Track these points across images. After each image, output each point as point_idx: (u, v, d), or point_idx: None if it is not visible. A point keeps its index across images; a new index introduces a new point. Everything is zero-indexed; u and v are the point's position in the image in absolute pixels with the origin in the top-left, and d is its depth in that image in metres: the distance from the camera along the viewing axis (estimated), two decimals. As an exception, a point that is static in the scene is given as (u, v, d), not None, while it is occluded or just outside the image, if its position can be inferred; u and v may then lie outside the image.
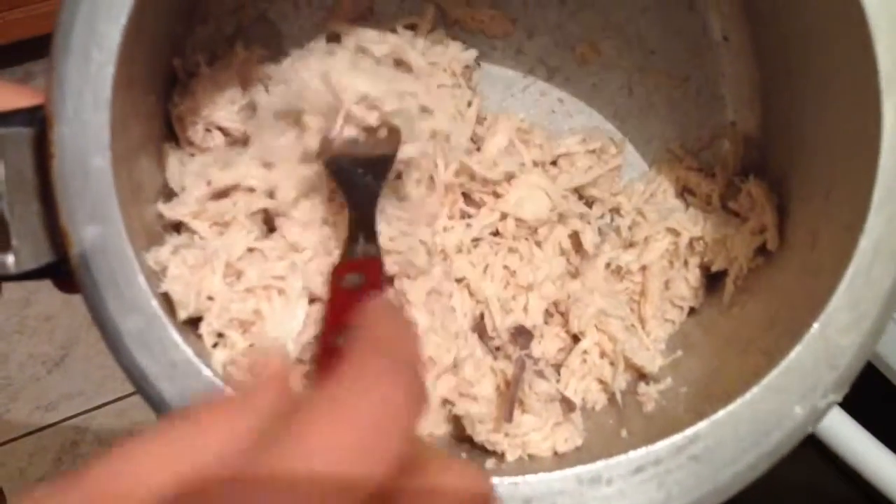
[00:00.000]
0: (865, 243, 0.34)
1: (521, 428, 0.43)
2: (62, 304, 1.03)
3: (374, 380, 0.23)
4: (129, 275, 0.33)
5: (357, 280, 0.38)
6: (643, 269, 0.49)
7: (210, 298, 0.39)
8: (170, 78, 0.46)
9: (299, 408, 0.22)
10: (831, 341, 0.34)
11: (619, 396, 0.46)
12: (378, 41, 0.48)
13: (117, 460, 0.21)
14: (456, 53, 0.51)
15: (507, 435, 0.43)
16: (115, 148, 0.34)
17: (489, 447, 0.44)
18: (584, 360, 0.47)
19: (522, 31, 0.52)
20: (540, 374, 0.46)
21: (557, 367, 0.48)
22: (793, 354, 0.34)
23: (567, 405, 0.46)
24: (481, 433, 0.44)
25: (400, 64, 0.48)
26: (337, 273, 0.39)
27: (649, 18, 0.51)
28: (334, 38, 0.50)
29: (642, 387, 0.45)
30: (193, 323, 0.38)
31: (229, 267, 0.41)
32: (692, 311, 0.50)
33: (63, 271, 0.33)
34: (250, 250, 0.43)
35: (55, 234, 0.33)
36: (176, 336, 0.33)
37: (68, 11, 0.32)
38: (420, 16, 0.51)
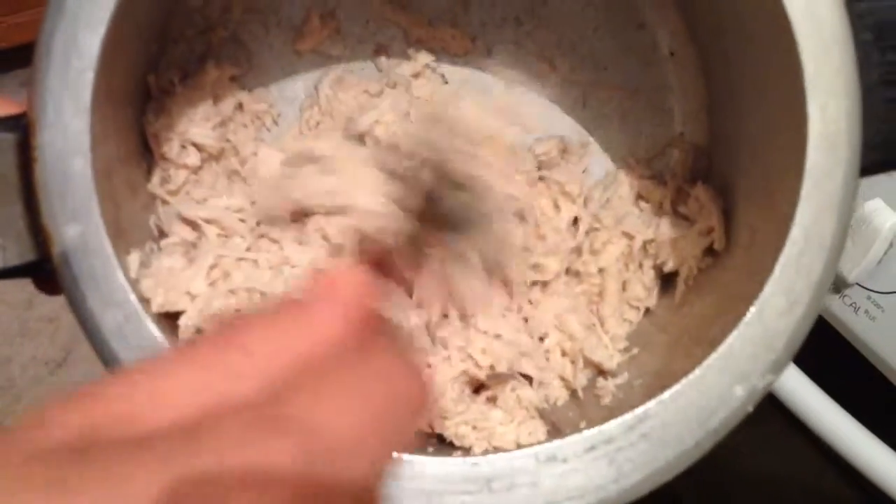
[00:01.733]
0: (796, 232, 0.37)
1: (489, 422, 0.46)
2: (64, 307, 1.02)
3: (394, 364, 0.23)
4: (109, 271, 0.35)
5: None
6: (601, 271, 0.52)
7: (191, 295, 0.41)
8: (144, 94, 0.48)
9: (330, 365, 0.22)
10: (768, 325, 0.37)
11: (580, 393, 0.48)
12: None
13: (135, 378, 0.21)
14: (437, 87, 0.54)
15: (474, 428, 0.45)
16: (96, 153, 0.36)
17: (457, 442, 0.45)
18: (547, 360, 0.50)
19: (482, 49, 0.55)
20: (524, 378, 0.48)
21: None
22: (730, 338, 0.37)
23: (539, 412, 0.48)
24: (449, 428, 0.46)
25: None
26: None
27: (600, 36, 0.54)
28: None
29: (601, 381, 0.48)
30: (172, 318, 0.40)
31: (217, 269, 0.44)
32: (648, 310, 0.52)
33: (46, 269, 0.35)
34: (241, 259, 0.45)
35: (38, 233, 0.35)
36: (154, 330, 0.35)
37: (49, 22, 0.34)
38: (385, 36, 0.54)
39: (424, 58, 0.53)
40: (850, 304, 0.58)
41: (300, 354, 0.22)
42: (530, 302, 0.49)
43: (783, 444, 0.64)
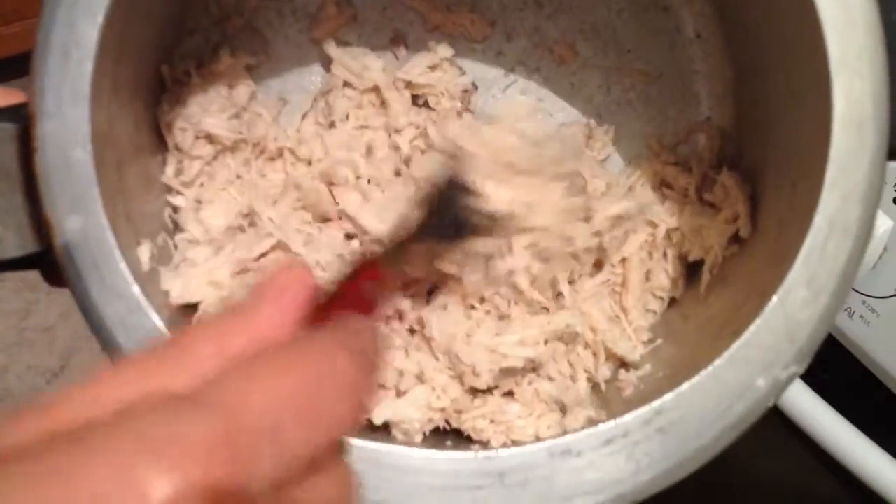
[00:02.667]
0: (820, 220, 0.35)
1: (507, 415, 0.45)
2: (61, 315, 1.03)
3: (330, 349, 0.24)
4: (112, 263, 0.34)
5: (371, 290, 0.34)
6: (623, 260, 0.50)
7: (215, 284, 0.40)
8: (158, 86, 0.48)
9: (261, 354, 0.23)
10: (790, 315, 0.35)
11: (602, 386, 0.47)
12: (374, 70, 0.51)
13: (75, 389, 0.21)
14: (454, 78, 0.53)
15: (492, 422, 0.44)
16: (101, 146, 0.35)
17: (475, 436, 0.45)
18: (569, 355, 0.49)
19: (502, 34, 0.54)
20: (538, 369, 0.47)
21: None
22: (753, 328, 0.36)
23: (559, 406, 0.47)
24: (466, 422, 0.45)
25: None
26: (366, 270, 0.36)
27: (624, 19, 0.53)
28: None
29: (622, 374, 0.47)
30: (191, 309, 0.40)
31: (241, 263, 0.44)
32: (673, 301, 0.51)
33: (48, 261, 0.35)
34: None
35: (40, 224, 0.34)
36: (157, 321, 0.35)
37: (48, 12, 0.34)
38: (403, 22, 0.53)
39: (444, 51, 0.52)
40: (846, 309, 0.57)
41: (238, 353, 0.23)
42: (561, 294, 0.48)
43: (779, 448, 0.63)
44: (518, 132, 0.42)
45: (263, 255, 0.47)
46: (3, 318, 1.09)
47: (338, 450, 0.24)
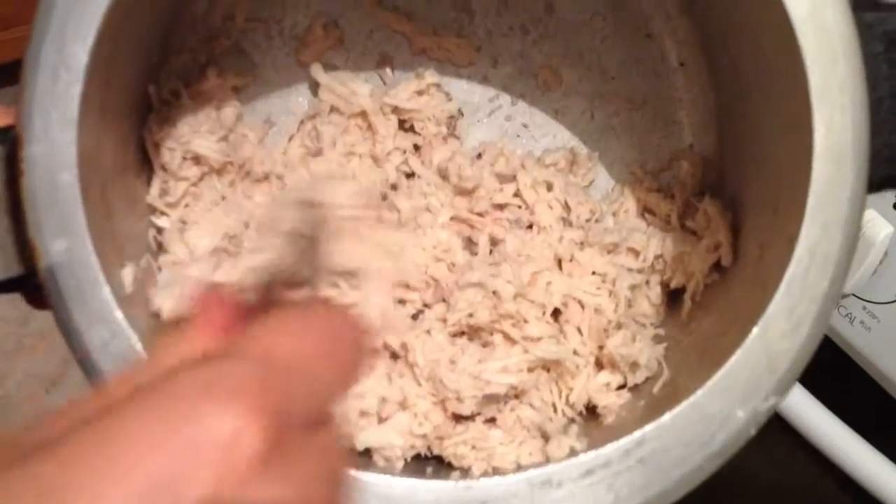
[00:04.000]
0: (801, 251, 0.36)
1: (489, 442, 0.45)
2: None
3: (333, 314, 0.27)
4: (95, 288, 0.34)
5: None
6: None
7: None
8: (144, 105, 0.48)
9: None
10: (770, 346, 0.36)
11: (584, 414, 0.47)
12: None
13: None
14: (440, 103, 0.53)
15: (473, 448, 0.44)
16: (89, 166, 0.35)
17: (455, 462, 0.45)
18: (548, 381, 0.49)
19: (487, 59, 0.54)
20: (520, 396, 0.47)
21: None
22: (733, 359, 0.36)
23: (542, 433, 0.47)
24: (447, 448, 0.45)
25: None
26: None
27: (608, 46, 0.53)
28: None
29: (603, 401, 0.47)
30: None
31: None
32: (655, 328, 0.51)
33: (33, 284, 0.34)
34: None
35: (24, 247, 0.34)
36: (139, 346, 0.35)
37: (37, 35, 0.34)
38: (389, 46, 0.53)
39: (431, 76, 0.52)
40: (846, 315, 0.58)
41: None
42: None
43: (780, 453, 0.64)
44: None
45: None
46: (1, 326, 1.08)
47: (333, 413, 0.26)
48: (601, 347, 0.47)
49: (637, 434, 0.36)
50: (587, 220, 0.51)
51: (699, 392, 0.36)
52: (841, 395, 0.61)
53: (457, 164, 0.50)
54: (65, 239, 0.34)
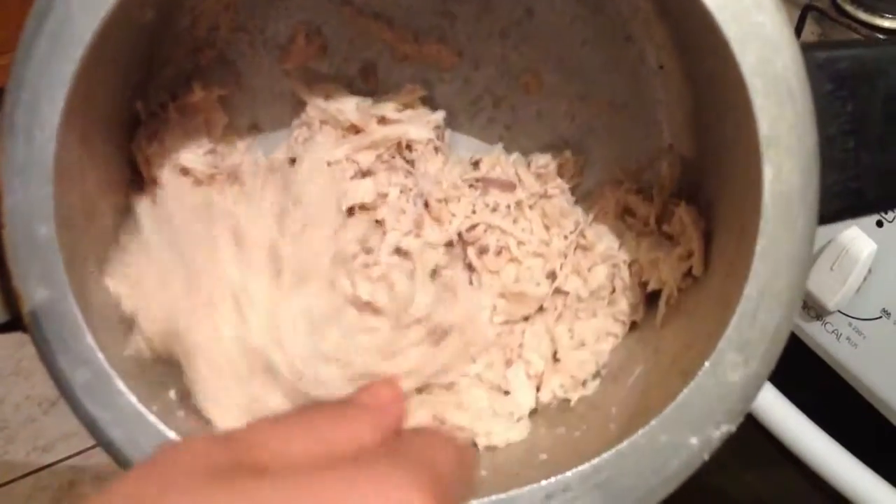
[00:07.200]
0: (750, 290, 0.37)
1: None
2: None
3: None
4: (77, 333, 0.36)
5: None
6: (590, 293, 0.52)
7: None
8: (131, 121, 0.49)
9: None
10: (721, 378, 0.37)
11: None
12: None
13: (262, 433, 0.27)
14: (426, 115, 0.54)
15: None
16: (67, 212, 0.37)
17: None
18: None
19: (469, 63, 0.55)
20: None
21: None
22: (686, 391, 0.37)
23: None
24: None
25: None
26: None
27: (588, 50, 0.54)
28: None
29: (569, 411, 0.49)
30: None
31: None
32: (633, 325, 0.53)
33: (20, 327, 0.37)
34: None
35: (10, 295, 0.36)
36: (121, 386, 0.37)
37: (12, 95, 0.35)
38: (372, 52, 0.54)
39: (416, 91, 0.53)
40: (833, 332, 0.58)
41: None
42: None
43: (769, 469, 0.65)
44: None
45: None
46: (-1, 349, 1.10)
47: None
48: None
49: (596, 461, 0.38)
50: (571, 233, 0.52)
51: (654, 422, 0.38)
52: (829, 411, 0.62)
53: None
54: (46, 288, 0.36)
